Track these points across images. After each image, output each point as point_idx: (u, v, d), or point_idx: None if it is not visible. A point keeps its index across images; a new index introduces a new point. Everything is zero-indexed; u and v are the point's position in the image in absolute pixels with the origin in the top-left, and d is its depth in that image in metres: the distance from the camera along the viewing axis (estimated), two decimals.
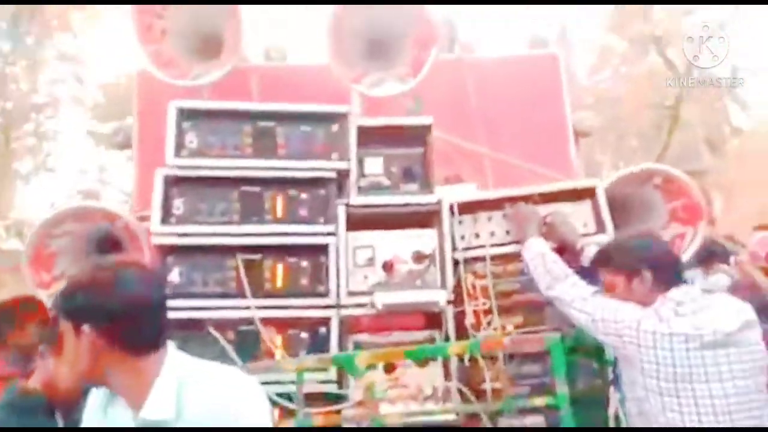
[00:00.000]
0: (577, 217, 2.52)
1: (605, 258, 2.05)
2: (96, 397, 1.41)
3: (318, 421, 1.93)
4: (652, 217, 2.86)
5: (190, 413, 1.28)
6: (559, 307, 2.10)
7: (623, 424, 2.23)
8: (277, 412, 1.43)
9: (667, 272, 1.91)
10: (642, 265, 1.93)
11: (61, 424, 1.49)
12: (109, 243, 2.62)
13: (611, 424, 2.32)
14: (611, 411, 2.33)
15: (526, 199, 2.49)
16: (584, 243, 2.39)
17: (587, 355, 2.30)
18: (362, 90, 2.90)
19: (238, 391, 1.34)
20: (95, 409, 1.39)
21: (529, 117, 3.39)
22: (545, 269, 2.15)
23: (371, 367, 2.24)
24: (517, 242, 2.43)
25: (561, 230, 2.41)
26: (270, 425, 1.37)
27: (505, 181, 2.98)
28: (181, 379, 1.32)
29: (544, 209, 2.49)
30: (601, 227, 2.50)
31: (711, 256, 4.01)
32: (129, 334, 1.31)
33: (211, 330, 2.29)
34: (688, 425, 1.72)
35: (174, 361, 1.35)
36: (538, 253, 2.22)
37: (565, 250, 2.37)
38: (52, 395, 1.48)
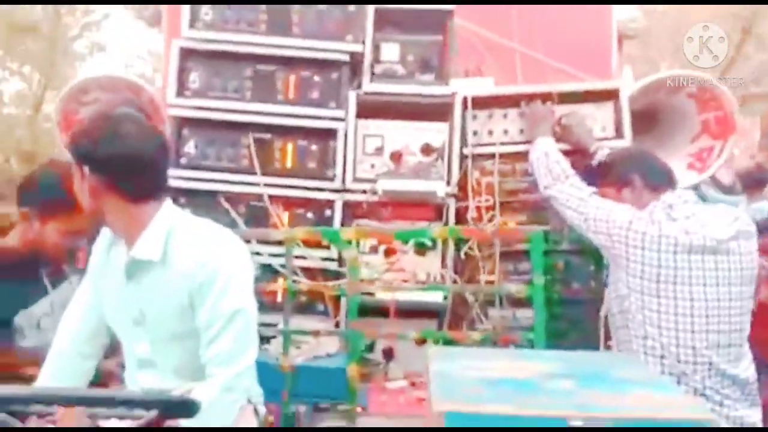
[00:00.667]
0: (596, 119, 2.45)
1: (598, 171, 2.03)
2: (104, 238, 1.53)
3: (304, 287, 2.07)
4: (683, 127, 2.74)
5: (175, 257, 1.38)
6: (555, 206, 2.10)
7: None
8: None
9: (657, 177, 1.93)
10: (630, 171, 1.96)
11: (46, 280, 1.65)
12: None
13: (601, 324, 2.38)
14: (603, 312, 2.37)
15: (544, 97, 2.42)
16: (598, 146, 2.34)
17: (585, 256, 2.34)
18: None
19: (222, 243, 1.43)
20: (101, 249, 1.52)
21: (569, 14, 3.21)
22: (547, 169, 2.13)
23: (372, 251, 2.36)
24: (529, 142, 2.40)
25: (576, 131, 2.35)
26: (249, 281, 1.46)
27: (536, 80, 2.88)
28: (171, 227, 1.41)
29: (564, 109, 2.42)
30: (619, 133, 2.42)
31: (758, 182, 3.93)
32: (124, 181, 1.39)
33: (223, 202, 2.41)
34: (662, 325, 1.75)
35: (167, 211, 1.44)
36: (542, 152, 2.19)
37: (578, 153, 2.34)
38: (36, 252, 1.62)
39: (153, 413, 1.01)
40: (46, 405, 1.01)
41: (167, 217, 1.43)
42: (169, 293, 1.38)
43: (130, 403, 1.02)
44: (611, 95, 2.43)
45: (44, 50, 9.54)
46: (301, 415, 1.78)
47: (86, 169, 1.38)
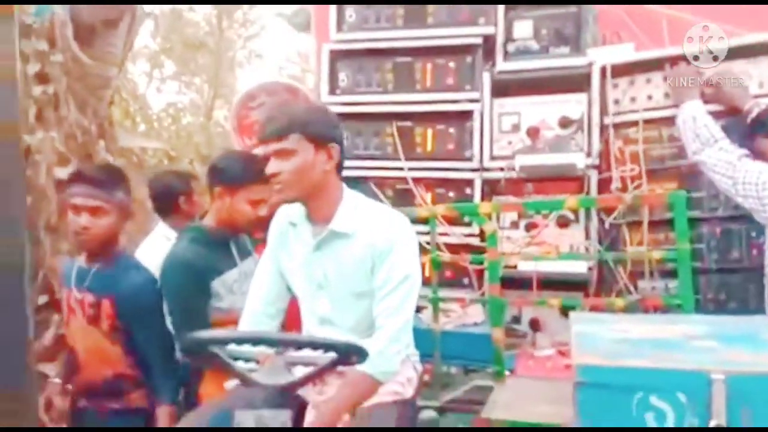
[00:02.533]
0: (751, 76, 2.28)
1: (760, 123, 1.89)
2: (280, 221, 1.77)
3: (446, 258, 2.22)
4: None
5: (363, 229, 1.62)
6: (705, 172, 2.02)
7: None
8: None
9: None
10: None
11: (235, 253, 1.98)
12: None
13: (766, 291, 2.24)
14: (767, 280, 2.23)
15: (688, 59, 2.31)
16: (755, 104, 2.18)
17: (744, 223, 2.21)
18: None
19: (396, 220, 1.66)
20: (281, 230, 1.75)
21: None
22: (694, 133, 2.05)
23: (513, 226, 2.45)
24: (675, 106, 2.31)
25: (728, 90, 2.22)
26: (417, 253, 1.66)
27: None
28: (356, 204, 1.66)
29: (712, 70, 2.29)
30: None
31: None
32: (343, 158, 1.66)
33: (372, 186, 2.65)
34: None
35: (348, 191, 1.69)
36: (689, 116, 2.10)
37: (733, 111, 2.21)
38: (229, 228, 1.94)
39: (332, 355, 1.25)
40: (252, 345, 1.30)
41: (351, 195, 1.68)
42: (355, 259, 1.60)
43: (313, 344, 1.26)
44: (767, 49, 2.25)
45: (211, 63, 10.75)
46: (453, 374, 1.95)
47: (334, 145, 1.60)
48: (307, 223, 1.67)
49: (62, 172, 3.05)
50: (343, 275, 1.63)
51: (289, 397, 1.32)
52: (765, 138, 1.86)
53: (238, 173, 1.90)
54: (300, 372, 1.33)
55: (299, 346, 1.29)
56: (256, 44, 12.73)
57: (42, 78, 3.08)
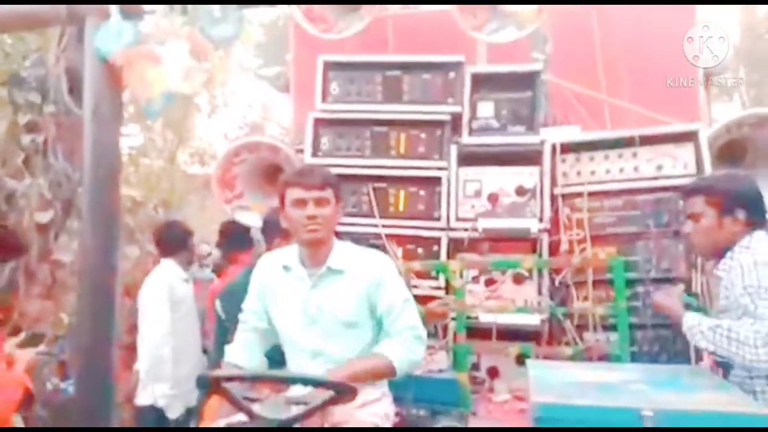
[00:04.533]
0: (677, 158, 2.68)
1: (701, 187, 2.00)
2: (272, 266, 1.96)
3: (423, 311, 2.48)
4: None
5: (355, 265, 1.85)
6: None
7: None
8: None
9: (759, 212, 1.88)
10: (737, 203, 1.89)
11: None
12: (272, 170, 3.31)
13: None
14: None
15: (628, 141, 2.69)
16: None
17: (674, 284, 2.53)
18: (482, 37, 3.20)
19: (384, 260, 1.92)
20: (272, 275, 1.94)
21: (655, 60, 3.42)
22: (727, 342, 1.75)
23: (474, 281, 2.72)
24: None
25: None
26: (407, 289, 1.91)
27: (624, 125, 3.12)
28: (346, 247, 1.91)
29: (646, 151, 2.68)
30: (700, 169, 2.63)
31: None
32: None
33: (349, 242, 2.89)
34: None
35: (336, 239, 1.94)
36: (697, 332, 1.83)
37: None
38: None
39: (330, 393, 1.45)
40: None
41: (339, 242, 1.92)
42: (348, 291, 1.82)
43: (315, 383, 1.47)
44: (691, 136, 2.66)
45: (177, 110, 10.92)
46: (421, 416, 2.16)
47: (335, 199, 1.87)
48: (301, 266, 1.90)
49: (43, 217, 3.16)
50: (335, 307, 1.84)
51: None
52: (700, 202, 1.94)
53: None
54: (297, 409, 1.52)
55: (305, 383, 1.49)
56: (220, 91, 13.03)
57: (32, 127, 3.22)
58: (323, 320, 1.85)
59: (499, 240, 2.78)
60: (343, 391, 1.47)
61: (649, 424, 1.41)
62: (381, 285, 1.83)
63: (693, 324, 1.81)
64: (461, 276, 2.37)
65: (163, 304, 3.02)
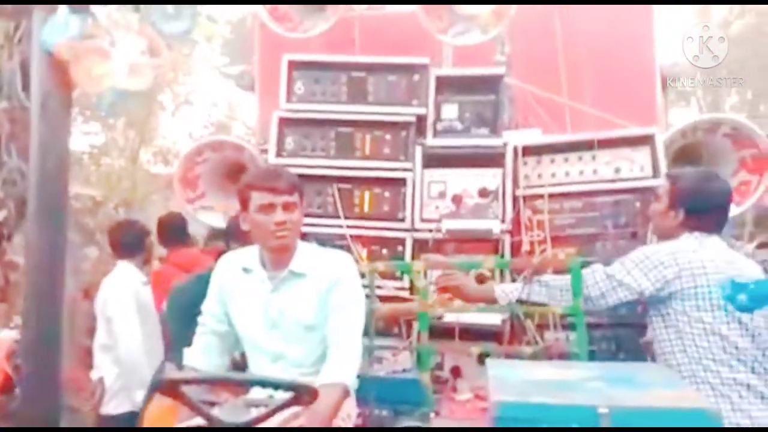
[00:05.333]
0: (634, 161, 2.76)
1: (671, 175, 2.23)
2: (231, 267, 1.94)
3: (386, 310, 2.49)
4: (721, 164, 3.00)
5: (317, 268, 1.84)
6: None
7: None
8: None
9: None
10: (680, 202, 2.07)
11: None
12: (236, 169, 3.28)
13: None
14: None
15: (587, 144, 2.76)
16: None
17: None
18: (447, 40, 3.23)
19: (346, 260, 1.91)
20: (232, 277, 1.92)
21: (615, 64, 3.52)
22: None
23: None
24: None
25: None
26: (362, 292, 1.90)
27: (584, 128, 3.21)
28: (309, 249, 1.90)
29: (605, 154, 2.75)
30: (656, 172, 2.72)
31: None
32: None
33: (314, 242, 2.87)
34: None
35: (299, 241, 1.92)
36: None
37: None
38: None
39: (288, 394, 1.44)
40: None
41: (302, 243, 1.91)
42: (308, 294, 1.82)
43: (275, 385, 1.46)
44: (647, 140, 2.74)
45: (139, 107, 10.69)
46: (384, 416, 2.17)
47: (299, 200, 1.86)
48: (262, 269, 1.88)
49: None
50: (297, 311, 1.83)
51: None
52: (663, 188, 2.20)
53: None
54: (257, 411, 1.51)
55: (264, 386, 1.48)
56: (184, 89, 12.79)
57: None
58: (284, 324, 1.84)
59: (463, 241, 2.81)
60: (302, 393, 1.47)
61: (604, 422, 1.44)
62: (337, 284, 1.82)
63: (505, 286, 2.22)
64: (425, 276, 2.38)
65: (132, 311, 2.96)
